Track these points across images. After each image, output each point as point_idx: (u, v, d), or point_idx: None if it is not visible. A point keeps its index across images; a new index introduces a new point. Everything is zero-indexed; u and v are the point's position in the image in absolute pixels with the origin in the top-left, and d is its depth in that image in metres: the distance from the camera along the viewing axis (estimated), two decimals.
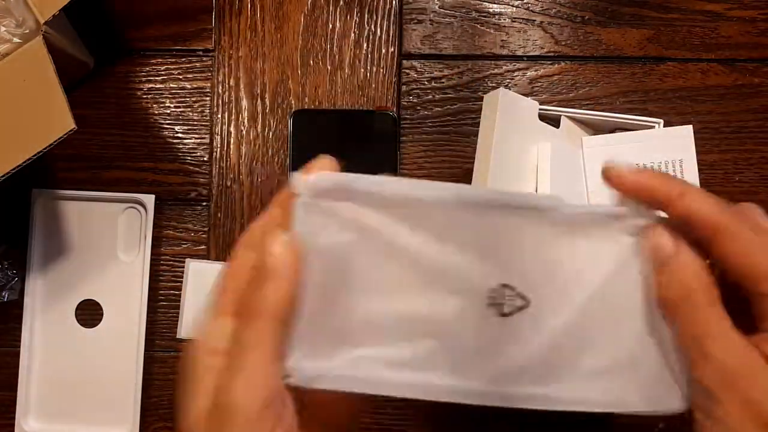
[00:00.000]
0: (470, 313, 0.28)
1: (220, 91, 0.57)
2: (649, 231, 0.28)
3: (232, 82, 0.57)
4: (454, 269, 0.28)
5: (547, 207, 0.28)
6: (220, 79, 0.57)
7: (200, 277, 0.55)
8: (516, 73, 0.57)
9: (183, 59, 0.58)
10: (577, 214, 0.28)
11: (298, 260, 0.27)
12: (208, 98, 0.57)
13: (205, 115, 0.57)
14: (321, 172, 0.27)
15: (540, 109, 0.51)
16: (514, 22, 0.57)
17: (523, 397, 0.28)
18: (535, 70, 0.57)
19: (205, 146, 0.57)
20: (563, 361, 0.28)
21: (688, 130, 0.51)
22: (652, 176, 0.28)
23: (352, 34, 0.57)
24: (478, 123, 0.49)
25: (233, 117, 0.57)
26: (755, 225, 0.28)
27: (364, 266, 0.27)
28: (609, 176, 0.29)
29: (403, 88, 0.57)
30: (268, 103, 0.57)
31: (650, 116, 0.53)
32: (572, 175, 0.51)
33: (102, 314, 0.56)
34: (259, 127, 0.57)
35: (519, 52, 0.57)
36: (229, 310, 0.28)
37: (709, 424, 0.27)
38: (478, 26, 0.57)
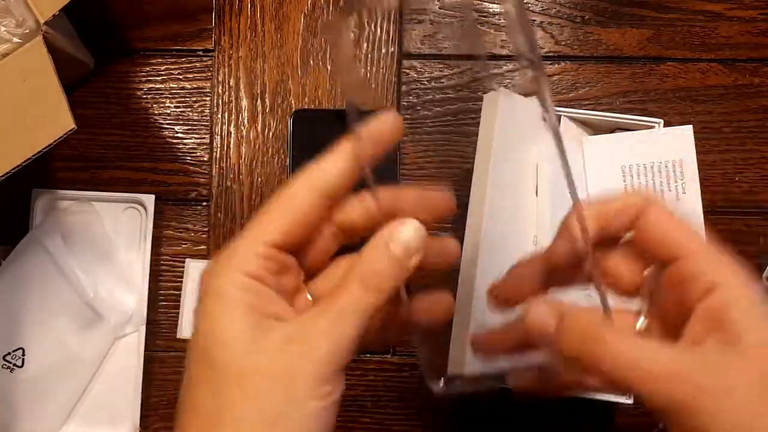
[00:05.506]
0: None
1: (220, 91, 0.57)
2: (528, 314, 0.30)
3: (232, 82, 0.57)
4: None
5: None
6: (220, 79, 0.57)
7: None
8: (516, 73, 0.57)
9: (183, 59, 0.58)
10: None
11: None
12: (208, 98, 0.57)
13: (205, 115, 0.57)
14: None
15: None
16: None
17: None
18: None
19: (205, 146, 0.57)
20: None
21: (688, 130, 0.51)
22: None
23: (352, 34, 0.57)
24: (478, 123, 0.49)
25: (233, 117, 0.57)
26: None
27: None
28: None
29: (403, 88, 0.57)
30: (268, 103, 0.57)
31: (650, 116, 0.53)
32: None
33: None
34: (259, 127, 0.57)
35: None
36: None
37: None
38: (478, 26, 0.57)
